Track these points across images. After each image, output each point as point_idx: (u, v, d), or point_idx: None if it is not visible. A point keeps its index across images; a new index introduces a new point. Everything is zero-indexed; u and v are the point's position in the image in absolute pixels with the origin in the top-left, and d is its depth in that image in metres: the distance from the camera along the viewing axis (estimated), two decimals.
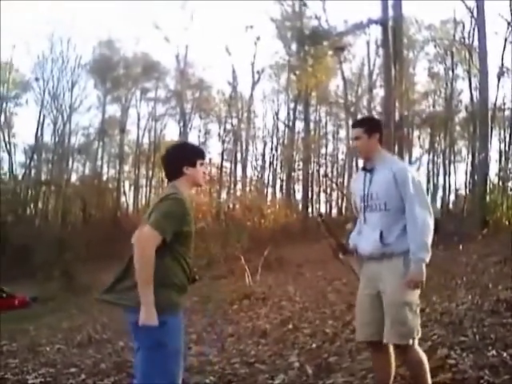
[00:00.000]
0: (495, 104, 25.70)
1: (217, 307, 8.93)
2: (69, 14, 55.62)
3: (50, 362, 5.89)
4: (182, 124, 36.36)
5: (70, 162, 38.50)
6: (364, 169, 3.12)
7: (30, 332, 9.50)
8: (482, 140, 17.67)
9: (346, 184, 31.63)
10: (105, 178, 39.31)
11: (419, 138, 35.56)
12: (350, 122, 28.80)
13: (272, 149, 37.78)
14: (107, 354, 6.03)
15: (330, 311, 6.77)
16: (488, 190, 15.88)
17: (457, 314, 4.96)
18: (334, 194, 37.01)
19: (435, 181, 33.76)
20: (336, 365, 4.16)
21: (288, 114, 35.87)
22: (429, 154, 34.55)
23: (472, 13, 24.33)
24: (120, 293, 2.51)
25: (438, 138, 34.18)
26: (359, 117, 22.82)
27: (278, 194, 35.68)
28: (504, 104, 27.83)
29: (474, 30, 25.37)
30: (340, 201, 35.07)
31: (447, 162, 33.11)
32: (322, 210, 35.38)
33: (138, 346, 2.55)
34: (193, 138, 35.77)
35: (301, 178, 33.85)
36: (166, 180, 2.80)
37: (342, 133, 36.50)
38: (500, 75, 26.04)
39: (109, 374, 4.82)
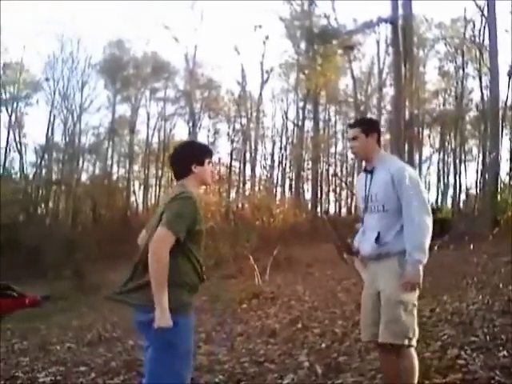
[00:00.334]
0: (506, 102, 25.51)
1: (226, 306, 8.91)
2: (72, 15, 55.95)
3: (61, 361, 5.91)
4: (191, 124, 36.36)
5: (81, 162, 38.65)
6: (365, 170, 3.12)
7: (40, 331, 9.53)
8: (493, 139, 17.58)
9: (355, 183, 31.47)
10: (115, 177, 39.41)
11: (429, 137, 35.44)
12: None
13: (281, 148, 37.82)
14: (117, 353, 6.03)
15: (340, 311, 6.75)
16: (499, 190, 15.78)
17: (467, 314, 4.94)
18: (344, 194, 36.90)
19: (446, 180, 33.63)
20: (345, 365, 4.16)
21: (297, 113, 35.84)
22: (439, 153, 34.43)
23: (482, 11, 24.26)
24: (129, 291, 2.52)
25: (448, 137, 33.95)
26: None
27: (287, 194, 35.55)
28: None
29: (484, 28, 25.31)
30: (349, 200, 34.92)
31: (458, 161, 32.88)
32: (331, 210, 35.38)
33: (147, 345, 2.55)
34: (202, 138, 35.83)
35: (310, 177, 33.85)
36: (174, 180, 2.79)
37: None
38: (510, 74, 25.81)
39: (119, 372, 4.84)
